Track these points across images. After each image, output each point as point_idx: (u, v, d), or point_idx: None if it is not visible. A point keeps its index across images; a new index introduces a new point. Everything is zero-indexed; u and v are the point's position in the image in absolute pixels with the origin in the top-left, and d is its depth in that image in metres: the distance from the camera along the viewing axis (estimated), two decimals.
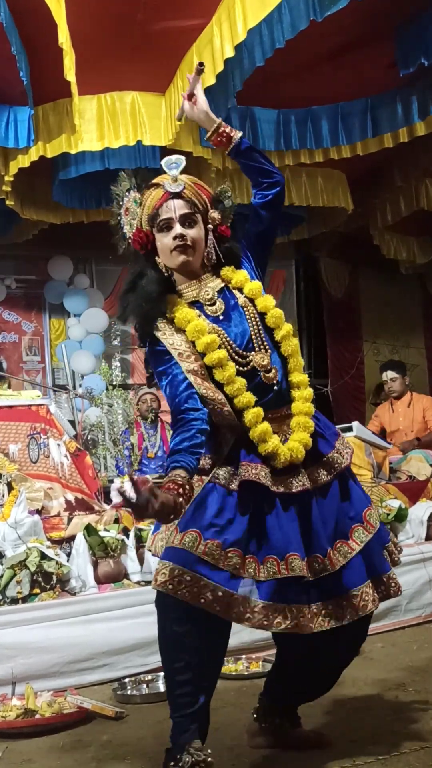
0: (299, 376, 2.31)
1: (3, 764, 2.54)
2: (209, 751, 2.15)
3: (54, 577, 3.61)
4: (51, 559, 3.64)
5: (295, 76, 5.52)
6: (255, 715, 2.46)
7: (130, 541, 3.99)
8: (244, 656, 3.48)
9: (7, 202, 6.39)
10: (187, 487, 2.01)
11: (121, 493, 2.07)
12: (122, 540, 3.95)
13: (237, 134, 2.32)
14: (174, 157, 2.30)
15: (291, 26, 4.54)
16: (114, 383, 7.87)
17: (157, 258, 2.28)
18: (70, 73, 4.86)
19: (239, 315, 2.28)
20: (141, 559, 3.94)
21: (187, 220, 2.23)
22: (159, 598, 2.16)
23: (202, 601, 2.09)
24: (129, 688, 3.27)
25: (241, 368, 2.22)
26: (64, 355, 8.52)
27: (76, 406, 7.92)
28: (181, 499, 1.97)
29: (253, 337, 2.27)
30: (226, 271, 2.33)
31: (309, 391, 2.31)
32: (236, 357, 2.23)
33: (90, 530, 3.89)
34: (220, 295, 2.30)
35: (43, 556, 3.62)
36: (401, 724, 2.53)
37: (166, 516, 1.97)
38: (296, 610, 2.15)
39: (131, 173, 2.36)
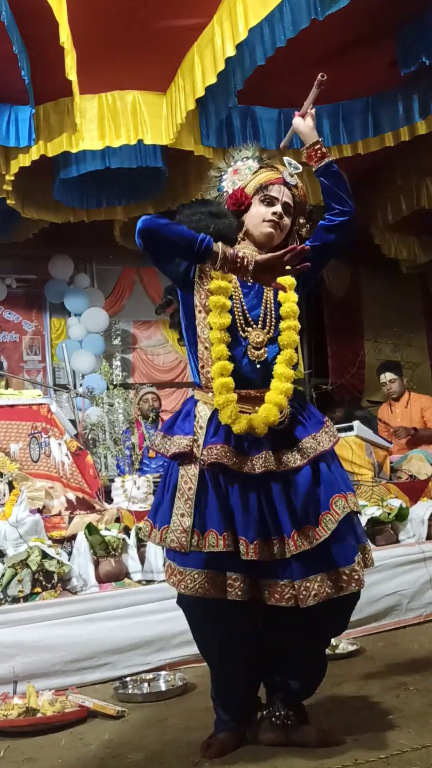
0: (284, 369, 2.37)
1: (5, 763, 2.54)
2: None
3: (55, 576, 3.61)
4: (52, 558, 3.64)
5: (297, 75, 5.49)
6: (263, 710, 2.46)
7: (131, 540, 3.99)
8: None
9: (8, 202, 6.39)
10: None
11: None
12: (123, 539, 3.95)
13: (330, 156, 2.55)
14: (296, 162, 2.54)
15: (292, 25, 4.54)
16: (114, 382, 7.88)
17: (243, 217, 2.47)
18: (71, 72, 4.87)
19: (259, 293, 2.45)
20: (142, 558, 3.94)
21: (286, 209, 2.47)
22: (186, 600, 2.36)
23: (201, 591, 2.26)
24: (130, 687, 3.27)
25: (240, 333, 2.38)
26: (64, 354, 8.53)
27: (76, 405, 7.92)
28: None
29: (261, 316, 2.42)
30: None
31: (288, 386, 2.36)
32: (240, 321, 2.39)
33: (91, 529, 3.89)
34: None
35: (45, 555, 3.62)
36: (402, 723, 2.53)
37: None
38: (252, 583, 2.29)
39: (257, 146, 2.59)
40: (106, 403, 7.37)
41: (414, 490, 5.07)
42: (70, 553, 3.90)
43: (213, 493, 2.29)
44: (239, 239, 2.48)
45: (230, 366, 2.32)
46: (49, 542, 3.79)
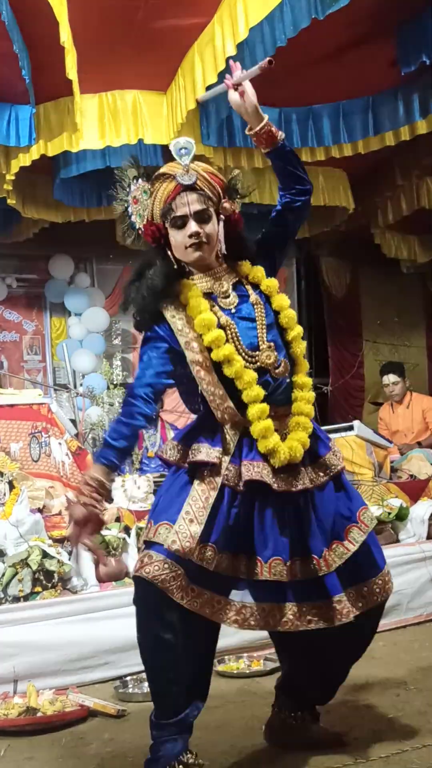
0: (304, 378, 2.32)
1: (5, 762, 2.54)
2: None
3: (55, 576, 3.61)
4: (52, 557, 3.64)
5: (297, 74, 5.50)
6: (275, 708, 2.44)
7: (132, 540, 3.99)
8: (245, 654, 3.48)
9: (8, 201, 6.39)
10: (102, 491, 2.12)
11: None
12: (123, 539, 3.95)
13: (281, 135, 2.26)
14: (183, 140, 2.24)
15: (293, 24, 4.54)
16: (115, 382, 7.88)
17: (169, 251, 2.26)
18: (71, 72, 4.86)
19: (249, 311, 2.27)
20: None
21: (201, 217, 2.20)
22: (145, 591, 2.18)
23: (195, 605, 2.14)
24: (130, 686, 3.27)
25: (248, 365, 2.21)
26: (65, 354, 8.52)
27: (77, 404, 7.92)
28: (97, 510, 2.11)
29: (260, 334, 2.25)
30: (244, 265, 2.33)
31: (311, 394, 2.32)
32: (244, 354, 2.22)
33: None
34: (234, 289, 2.29)
35: (45, 555, 3.62)
36: (403, 723, 2.54)
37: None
38: (275, 609, 2.19)
39: (136, 161, 2.32)
40: (107, 402, 7.37)
41: (414, 489, 5.07)
42: (70, 553, 3.89)
43: (226, 510, 2.17)
44: (182, 265, 2.28)
45: (261, 392, 2.18)
46: (50, 542, 3.79)
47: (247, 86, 2.24)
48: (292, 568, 2.17)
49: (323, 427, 2.52)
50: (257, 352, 2.22)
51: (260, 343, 2.24)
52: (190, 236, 2.18)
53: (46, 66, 5.00)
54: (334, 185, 7.01)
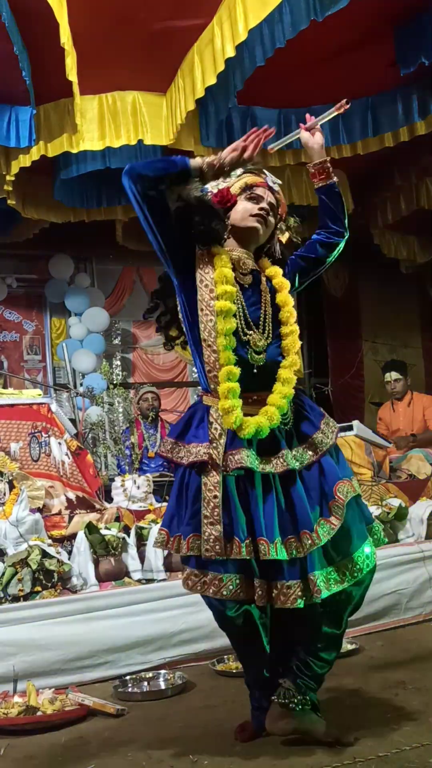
0: (288, 374, 2.43)
1: (5, 761, 2.55)
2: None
3: (55, 575, 3.62)
4: (52, 557, 3.65)
5: (296, 75, 5.52)
6: (276, 697, 2.44)
7: (131, 540, 4.00)
8: None
9: (9, 202, 6.40)
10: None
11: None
12: (123, 538, 3.96)
13: (334, 177, 2.61)
14: (278, 181, 2.60)
15: (291, 26, 4.56)
16: (115, 382, 7.88)
17: (226, 217, 2.48)
18: (71, 73, 4.87)
19: (257, 295, 2.47)
20: (142, 558, 3.96)
21: (271, 208, 2.51)
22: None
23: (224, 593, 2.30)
24: (130, 685, 3.28)
25: (242, 336, 2.39)
26: (65, 353, 8.54)
27: (77, 404, 7.93)
28: None
29: (260, 319, 2.44)
30: (265, 261, 2.57)
31: (291, 391, 2.42)
32: (242, 325, 2.40)
33: (91, 528, 3.91)
34: (252, 272, 2.51)
35: (45, 554, 3.63)
36: (401, 722, 2.54)
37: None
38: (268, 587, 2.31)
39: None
40: (106, 402, 7.38)
41: (413, 489, 5.08)
42: (70, 552, 3.91)
43: (235, 499, 2.31)
44: (225, 237, 2.50)
45: (237, 371, 2.34)
46: (50, 541, 3.80)
47: (319, 128, 2.65)
48: (288, 546, 2.29)
49: None
50: (251, 331, 2.41)
51: (258, 326, 2.43)
52: (261, 208, 2.48)
53: (47, 67, 5.01)
54: None
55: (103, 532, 3.91)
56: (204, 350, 2.39)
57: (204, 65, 5.01)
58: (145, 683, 3.31)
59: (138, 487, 4.73)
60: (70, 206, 7.03)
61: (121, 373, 8.92)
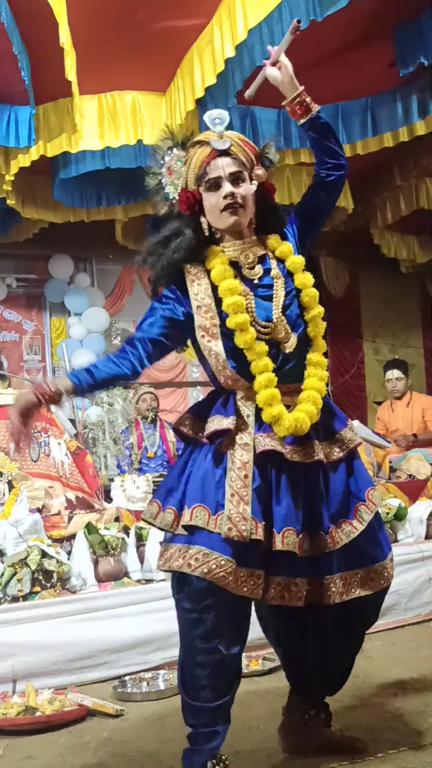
0: (319, 357, 2.28)
1: (4, 761, 2.55)
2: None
3: (54, 576, 3.62)
4: (51, 557, 3.65)
5: (295, 75, 5.51)
6: (287, 711, 2.39)
7: (131, 540, 4.00)
8: (243, 654, 3.48)
9: (8, 201, 6.40)
10: (55, 395, 2.10)
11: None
12: (122, 538, 3.96)
13: (316, 107, 2.26)
14: (215, 112, 2.26)
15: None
16: None
17: (202, 218, 2.24)
18: (71, 73, 4.88)
19: (270, 284, 2.25)
20: (141, 558, 3.95)
21: (236, 179, 2.18)
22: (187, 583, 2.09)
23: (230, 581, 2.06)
24: (129, 685, 3.27)
25: (261, 336, 2.19)
26: (64, 353, 8.54)
27: (76, 405, 7.94)
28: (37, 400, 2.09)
29: (275, 308, 2.23)
30: (273, 239, 2.30)
31: (325, 373, 2.28)
32: (257, 325, 2.20)
33: (90, 529, 3.90)
34: (260, 262, 2.27)
35: (44, 555, 3.63)
36: (400, 723, 2.54)
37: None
38: (288, 583, 2.14)
39: (172, 132, 2.32)
40: (106, 402, 7.38)
41: (413, 489, 5.08)
42: (69, 553, 3.91)
43: (261, 483, 2.13)
44: (213, 232, 2.26)
45: (270, 364, 2.17)
46: (49, 541, 3.80)
47: (283, 58, 2.28)
48: (302, 542, 2.14)
49: None
50: (270, 325, 2.20)
51: (275, 316, 2.21)
52: (225, 197, 2.17)
53: (46, 67, 5.01)
54: None
55: (103, 532, 3.91)
56: (215, 370, 2.22)
57: (203, 65, 5.01)
58: (145, 683, 3.31)
59: (137, 488, 4.73)
60: (70, 206, 7.03)
61: None
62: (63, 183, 6.47)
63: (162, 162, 2.30)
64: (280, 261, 2.29)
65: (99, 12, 4.90)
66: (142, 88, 5.72)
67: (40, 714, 2.86)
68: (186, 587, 2.09)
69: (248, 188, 2.20)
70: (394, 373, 6.50)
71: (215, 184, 2.18)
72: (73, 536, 3.99)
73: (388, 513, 4.48)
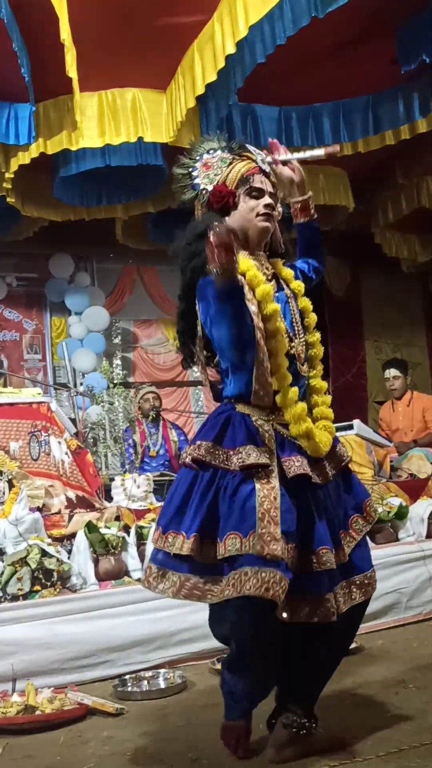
0: (320, 382, 2.40)
1: (4, 760, 2.54)
2: None
3: (55, 574, 3.61)
4: (52, 556, 3.64)
5: (297, 73, 5.51)
6: (280, 725, 2.32)
7: (131, 539, 3.99)
8: None
9: (8, 200, 6.39)
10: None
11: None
12: (123, 537, 3.95)
13: (315, 214, 2.47)
14: (262, 154, 2.42)
15: (292, 22, 4.54)
16: (115, 381, 7.88)
17: (226, 218, 2.33)
18: (71, 70, 4.86)
19: (284, 303, 2.36)
20: (142, 557, 3.94)
21: (273, 198, 2.37)
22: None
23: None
24: (129, 684, 3.27)
25: (289, 350, 2.30)
26: (65, 353, 8.53)
27: (77, 403, 7.93)
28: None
29: (295, 325, 2.35)
30: (278, 262, 2.45)
31: (328, 397, 2.41)
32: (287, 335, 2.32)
33: (91, 527, 3.89)
34: (274, 277, 2.40)
35: (44, 554, 3.62)
36: (401, 722, 2.53)
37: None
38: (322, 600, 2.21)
39: (222, 136, 2.46)
40: (107, 401, 7.37)
41: (414, 488, 5.07)
42: (69, 551, 3.90)
43: (290, 504, 2.19)
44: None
45: (290, 377, 2.26)
46: (49, 540, 3.79)
47: (296, 163, 2.44)
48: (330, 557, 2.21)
49: None
50: (294, 341, 2.33)
51: (296, 333, 2.34)
52: (266, 206, 2.33)
53: (46, 64, 5.01)
54: (334, 184, 7.02)
55: (103, 531, 3.90)
56: (255, 361, 2.24)
57: (204, 62, 5.00)
58: (145, 682, 3.30)
59: (138, 486, 4.72)
60: (70, 204, 7.02)
61: (121, 372, 8.91)
62: (63, 181, 6.45)
63: (198, 158, 2.41)
64: (286, 283, 2.42)
65: (100, 8, 4.88)
66: (143, 85, 5.70)
67: (40, 713, 2.85)
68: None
69: (279, 211, 2.41)
70: (391, 372, 6.51)
71: (258, 194, 2.34)
72: (73, 535, 3.99)
73: (389, 512, 4.48)
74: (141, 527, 4.07)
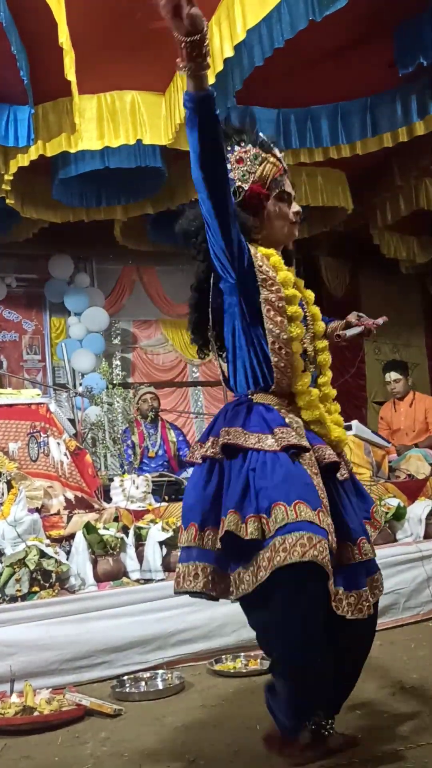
0: (329, 389, 2.43)
1: (2, 761, 2.55)
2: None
3: (53, 575, 3.62)
4: (50, 557, 3.64)
5: (295, 75, 5.52)
6: (309, 728, 2.27)
7: (130, 540, 4.00)
8: (242, 654, 3.49)
9: (8, 201, 6.41)
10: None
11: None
12: (121, 538, 3.96)
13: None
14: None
15: (290, 26, 4.55)
16: (114, 382, 7.89)
17: (252, 216, 2.32)
18: (70, 72, 4.87)
19: (301, 305, 2.37)
20: (140, 558, 3.95)
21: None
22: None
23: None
24: (127, 685, 3.27)
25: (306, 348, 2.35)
26: (64, 353, 8.54)
27: (76, 404, 7.94)
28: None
29: (307, 329, 2.39)
30: (291, 271, 2.42)
31: (338, 406, 2.44)
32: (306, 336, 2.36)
33: (89, 528, 3.90)
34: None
35: (43, 555, 3.63)
36: (398, 722, 2.54)
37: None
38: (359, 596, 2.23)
39: (256, 131, 2.41)
40: (106, 402, 7.38)
41: (412, 489, 5.08)
42: (68, 552, 3.91)
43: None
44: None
45: (302, 362, 2.30)
46: (48, 541, 3.80)
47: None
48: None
49: None
50: (305, 342, 2.36)
51: (313, 333, 2.40)
52: (296, 213, 2.38)
53: (45, 67, 5.02)
54: (332, 186, 7.03)
55: (102, 532, 3.91)
56: (273, 348, 2.23)
57: None
58: (143, 683, 3.31)
59: (137, 487, 4.73)
60: (69, 206, 7.03)
61: (120, 372, 8.92)
62: (62, 183, 6.47)
63: (230, 148, 2.35)
64: (298, 289, 2.42)
65: (98, 11, 4.89)
66: (142, 87, 5.72)
67: (38, 714, 2.86)
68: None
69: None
70: (392, 375, 6.52)
71: (288, 199, 2.37)
72: (72, 536, 3.99)
73: (387, 512, 4.48)
74: (140, 528, 4.07)
